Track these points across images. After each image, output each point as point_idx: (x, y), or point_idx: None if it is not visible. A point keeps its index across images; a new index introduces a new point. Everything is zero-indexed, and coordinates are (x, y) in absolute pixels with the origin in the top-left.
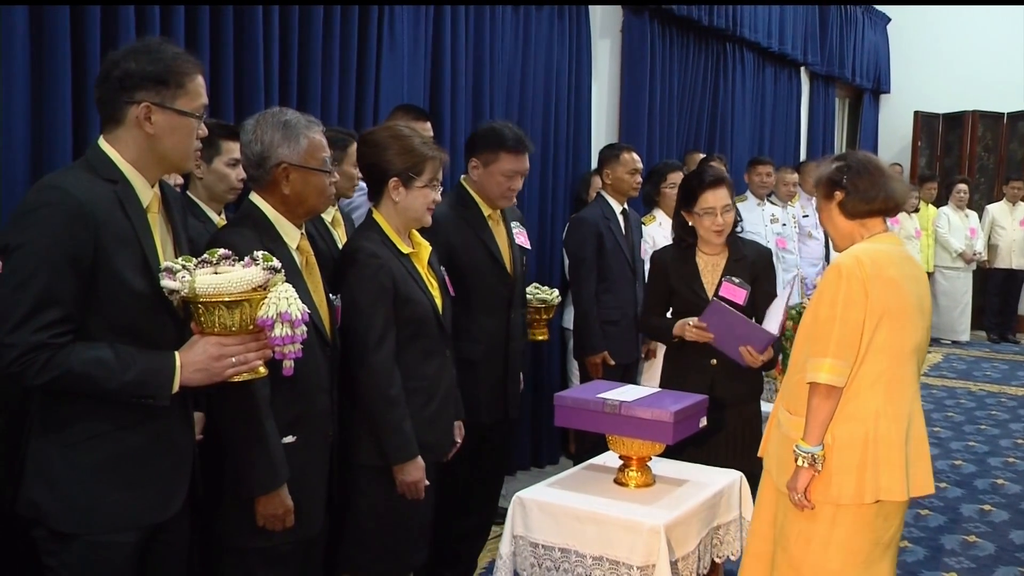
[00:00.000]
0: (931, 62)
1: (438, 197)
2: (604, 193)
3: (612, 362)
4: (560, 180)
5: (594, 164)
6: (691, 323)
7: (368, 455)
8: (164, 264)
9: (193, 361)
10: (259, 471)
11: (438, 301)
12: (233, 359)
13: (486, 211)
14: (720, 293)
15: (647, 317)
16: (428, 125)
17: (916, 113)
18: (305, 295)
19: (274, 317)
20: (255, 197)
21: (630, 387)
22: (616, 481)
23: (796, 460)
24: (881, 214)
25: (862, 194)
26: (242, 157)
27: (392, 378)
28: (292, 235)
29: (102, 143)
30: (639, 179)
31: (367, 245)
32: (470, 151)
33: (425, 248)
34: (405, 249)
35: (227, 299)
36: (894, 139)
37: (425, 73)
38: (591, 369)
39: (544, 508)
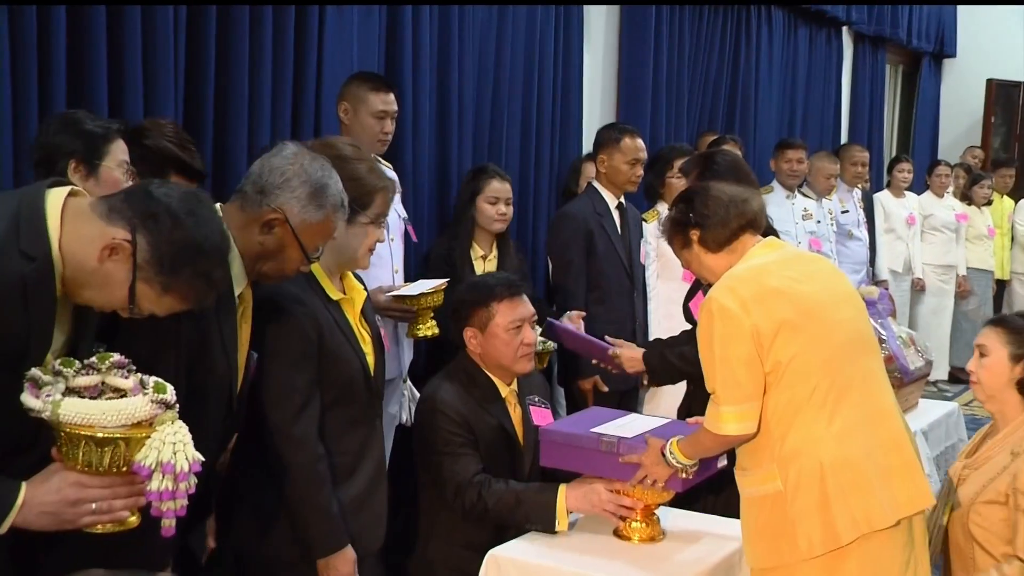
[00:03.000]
0: (1008, 18)
1: (383, 237)
2: (597, 184)
3: (605, 388)
4: (544, 169)
5: (587, 149)
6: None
7: (285, 546)
8: (30, 373)
9: (41, 501)
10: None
11: (370, 359)
12: (93, 506)
13: (503, 391)
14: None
15: None
16: (391, 97)
17: (989, 81)
18: (233, 349)
19: (152, 466)
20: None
21: (631, 417)
22: (616, 534)
23: (675, 469)
24: (745, 230)
25: (715, 219)
26: (257, 166)
27: (317, 451)
28: (239, 280)
29: (52, 196)
30: (640, 172)
31: (290, 288)
32: (459, 325)
33: (360, 294)
34: (335, 295)
35: (98, 434)
36: (961, 114)
37: (380, 35)
38: (580, 397)
39: (524, 569)
